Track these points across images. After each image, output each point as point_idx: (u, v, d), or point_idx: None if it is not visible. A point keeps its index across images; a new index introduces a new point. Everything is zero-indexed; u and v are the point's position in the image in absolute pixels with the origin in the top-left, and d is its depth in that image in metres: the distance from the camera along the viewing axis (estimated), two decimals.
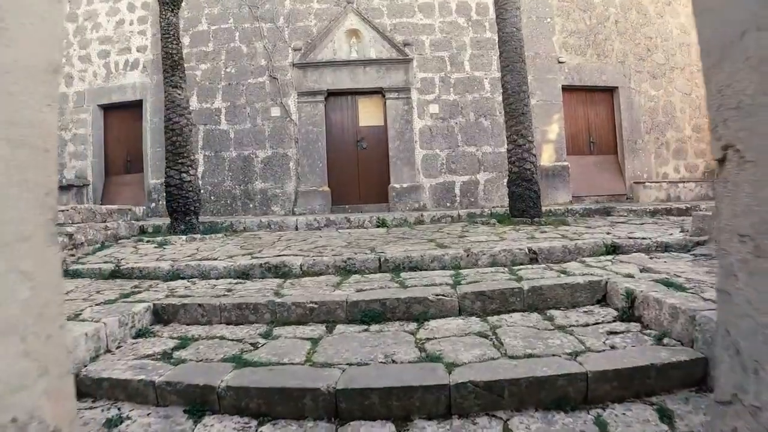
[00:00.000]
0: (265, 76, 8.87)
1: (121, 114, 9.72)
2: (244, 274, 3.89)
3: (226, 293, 3.31)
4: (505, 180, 8.46)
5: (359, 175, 8.47)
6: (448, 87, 8.71)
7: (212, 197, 8.56)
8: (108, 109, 9.84)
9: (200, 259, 4.23)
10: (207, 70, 9.06)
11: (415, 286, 3.23)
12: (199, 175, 8.66)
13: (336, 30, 8.83)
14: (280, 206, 8.33)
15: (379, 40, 8.78)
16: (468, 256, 3.93)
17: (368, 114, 8.76)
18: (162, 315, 3.06)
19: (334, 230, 6.28)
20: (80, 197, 9.26)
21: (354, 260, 3.89)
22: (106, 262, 4.36)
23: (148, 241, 5.46)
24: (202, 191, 8.55)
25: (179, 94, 6.23)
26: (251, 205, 8.42)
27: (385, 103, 8.69)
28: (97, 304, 3.03)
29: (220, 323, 2.98)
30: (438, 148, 8.60)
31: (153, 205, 8.82)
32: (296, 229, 6.44)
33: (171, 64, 6.29)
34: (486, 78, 8.74)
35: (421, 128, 8.59)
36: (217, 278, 3.83)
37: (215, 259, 4.19)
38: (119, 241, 5.66)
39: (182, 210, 5.98)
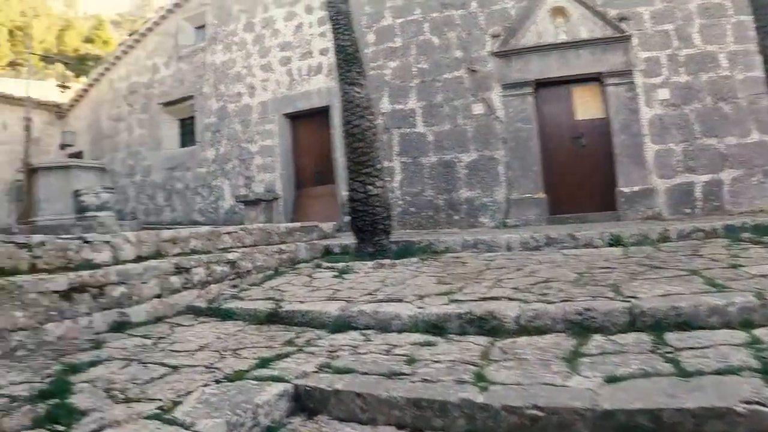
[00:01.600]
0: (462, 69, 9.12)
1: (308, 122, 10.56)
2: (436, 327, 3.35)
3: (404, 365, 2.73)
4: (756, 178, 7.80)
5: (579, 178, 8.40)
6: (677, 67, 8.27)
7: (412, 209, 8.98)
8: (294, 118, 10.75)
9: (382, 300, 3.90)
10: (397, 68, 9.51)
11: (701, 373, 2.27)
12: (396, 185, 9.13)
13: (537, 10, 8.82)
14: (490, 217, 8.51)
15: (589, 16, 8.59)
16: (764, 305, 3.00)
17: (585, 105, 8.62)
18: (306, 401, 2.54)
19: (555, 251, 5.81)
20: (270, 212, 10.22)
21: (593, 311, 3.16)
22: (267, 298, 4.41)
23: (327, 268, 5.56)
24: (401, 202, 8.95)
25: (358, 92, 6.19)
26: (456, 217, 8.71)
27: (604, 90, 8.51)
28: (216, 381, 2.62)
29: (388, 425, 2.34)
30: (671, 142, 8.21)
31: (347, 218, 9.41)
32: (508, 249, 6.16)
33: (345, 58, 6.29)
34: (721, 52, 8.14)
35: (650, 118, 8.28)
36: (399, 331, 3.38)
37: (401, 301, 3.79)
38: (296, 266, 5.94)
39: (369, 229, 5.96)
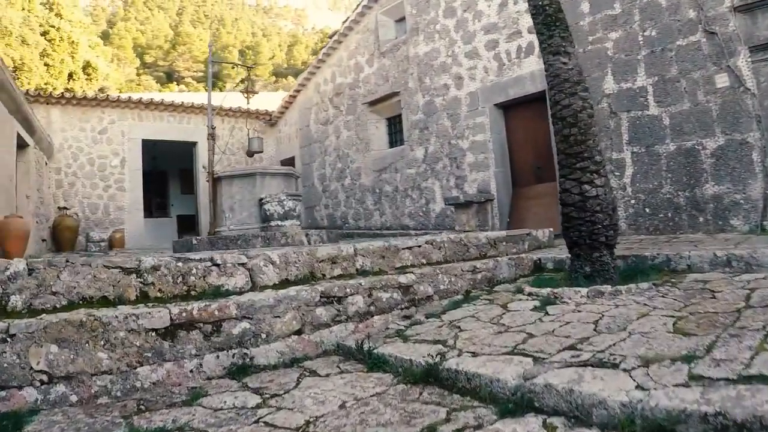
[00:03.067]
0: (699, 33, 8.48)
1: (522, 111, 10.71)
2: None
3: None
4: None
5: None
6: None
7: (646, 209, 8.70)
8: (506, 107, 10.96)
9: (586, 362, 3.03)
10: (619, 39, 9.25)
11: None
12: (627, 181, 8.89)
13: None
14: (742, 218, 7.95)
15: None
16: None
17: None
18: None
19: None
20: (483, 215, 10.55)
21: None
22: (435, 341, 3.85)
23: (529, 295, 5.11)
24: (633, 202, 8.66)
25: (564, 63, 5.41)
26: (700, 219, 8.25)
27: None
28: None
29: None
30: None
31: None
32: None
33: (543, 21, 5.62)
34: None
35: None
36: (602, 428, 2.50)
37: (614, 367, 2.90)
38: (493, 289, 5.68)
39: (585, 242, 5.23)
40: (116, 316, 3.38)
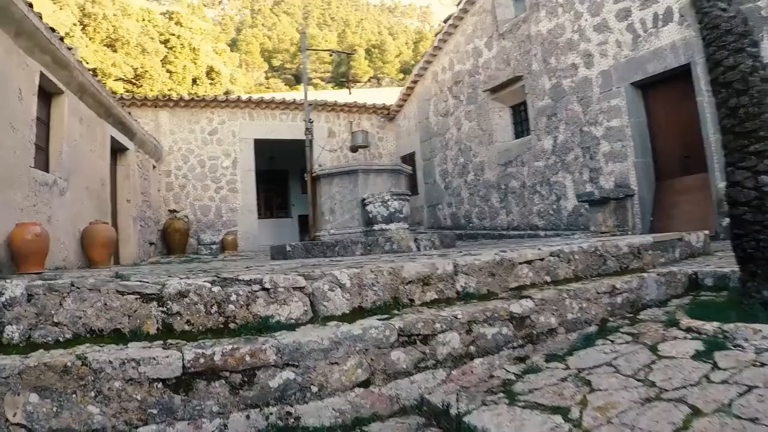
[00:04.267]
0: None
1: (664, 90, 9.67)
2: None
3: None
4: None
5: None
6: None
7: None
8: (645, 87, 9.93)
9: None
10: None
11: None
12: None
13: None
14: None
15: None
16: None
17: None
18: None
19: None
20: (622, 213, 9.54)
21: None
22: (554, 409, 2.86)
23: (688, 331, 3.85)
24: None
25: (724, 10, 4.29)
26: None
27: None
28: None
29: None
30: None
31: (725, 221, 8.00)
32: None
33: None
34: None
35: None
36: None
37: None
38: (637, 318, 4.47)
39: (763, 256, 3.93)
40: (110, 362, 2.74)
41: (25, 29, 7.20)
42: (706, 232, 7.04)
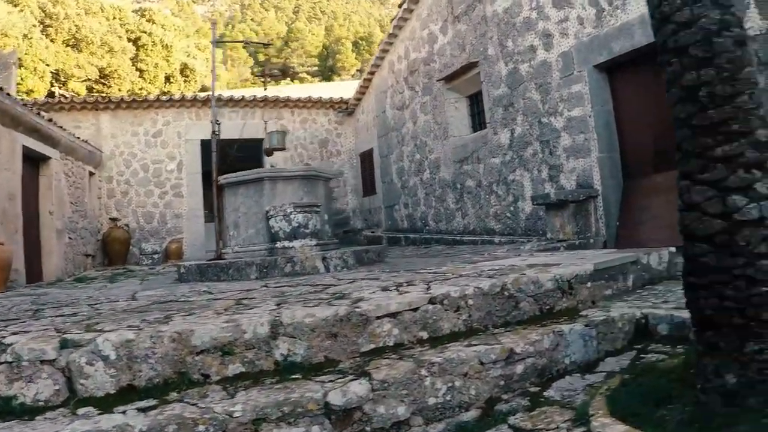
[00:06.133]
0: None
1: (633, 73, 7.81)
2: None
3: None
4: None
5: None
6: None
7: None
8: (611, 69, 7.98)
9: None
10: None
11: None
12: None
13: None
14: None
15: None
16: None
17: None
18: None
19: None
20: (583, 218, 7.84)
21: None
22: None
23: None
24: None
25: None
26: None
27: None
28: None
29: None
30: None
31: None
32: None
33: None
34: None
35: None
36: None
37: None
38: (546, 393, 3.08)
39: (732, 322, 2.39)
40: None
41: None
42: (672, 249, 5.17)
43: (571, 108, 8.42)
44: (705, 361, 2.48)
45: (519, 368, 3.11)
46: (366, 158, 16.18)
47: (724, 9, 2.49)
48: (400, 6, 13.26)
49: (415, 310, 3.36)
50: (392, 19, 13.86)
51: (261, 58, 60.46)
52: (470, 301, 3.56)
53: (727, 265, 2.37)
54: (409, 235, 12.97)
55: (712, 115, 2.42)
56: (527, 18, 9.24)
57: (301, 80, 54.82)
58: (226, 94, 17.12)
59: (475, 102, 11.41)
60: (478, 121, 11.33)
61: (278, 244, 6.96)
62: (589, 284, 4.20)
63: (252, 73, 56.86)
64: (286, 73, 59.19)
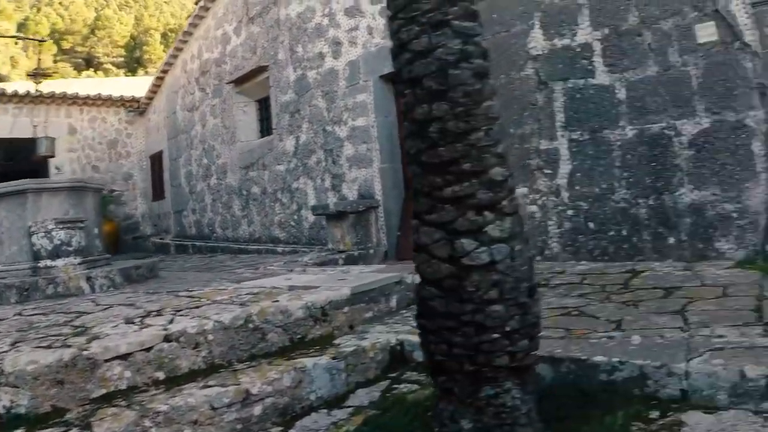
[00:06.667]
0: None
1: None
2: None
3: None
4: None
5: None
6: None
7: (589, 224, 5.60)
8: (396, 81, 7.39)
9: None
10: None
11: None
12: (562, 182, 5.80)
13: None
14: (734, 240, 4.91)
15: None
16: None
17: None
18: None
19: None
20: (364, 228, 7.66)
21: None
22: None
23: None
24: (570, 213, 5.54)
25: None
26: (671, 240, 5.23)
27: None
28: None
29: None
30: None
31: None
32: None
33: None
34: None
35: None
36: None
37: None
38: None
39: (463, 369, 2.24)
40: None
41: None
42: None
43: (356, 117, 8.15)
44: (442, 406, 2.34)
45: (257, 409, 2.76)
46: (156, 161, 14.83)
47: (466, 38, 2.25)
48: (196, 3, 12.36)
49: (149, 350, 2.94)
50: (188, 16, 12.92)
51: (65, 45, 55.29)
52: (210, 337, 3.17)
53: (455, 311, 2.19)
54: (196, 242, 11.99)
55: (442, 152, 2.21)
56: (319, 24, 8.87)
57: (106, 72, 50.69)
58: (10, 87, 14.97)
59: (264, 107, 10.80)
60: (265, 126, 10.69)
61: (41, 264, 5.98)
62: (346, 309, 3.85)
63: (54, 62, 51.68)
64: (90, 63, 54.63)
